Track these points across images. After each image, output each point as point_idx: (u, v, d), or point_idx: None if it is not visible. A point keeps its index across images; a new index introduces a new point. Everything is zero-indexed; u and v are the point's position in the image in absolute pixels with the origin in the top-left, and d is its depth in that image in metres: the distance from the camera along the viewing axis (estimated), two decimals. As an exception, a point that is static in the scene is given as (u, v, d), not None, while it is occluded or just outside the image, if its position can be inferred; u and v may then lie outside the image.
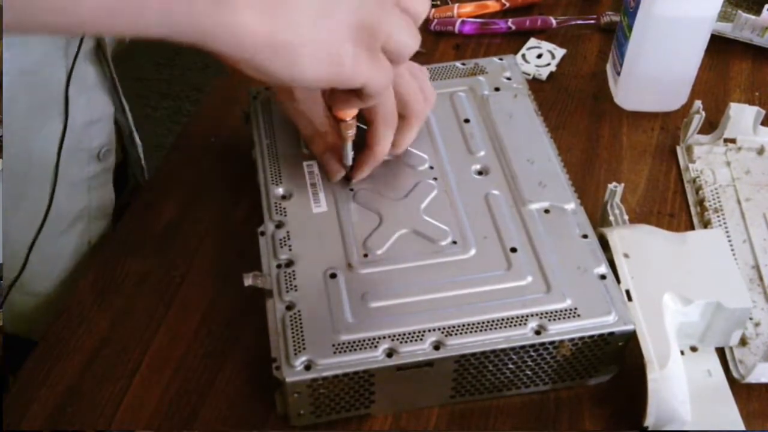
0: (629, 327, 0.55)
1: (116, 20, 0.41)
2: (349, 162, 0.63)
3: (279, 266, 0.59)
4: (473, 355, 0.54)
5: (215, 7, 0.42)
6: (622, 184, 0.64)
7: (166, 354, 0.62)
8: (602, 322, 0.56)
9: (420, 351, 0.54)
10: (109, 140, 0.70)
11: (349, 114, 0.59)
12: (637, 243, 0.61)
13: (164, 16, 0.41)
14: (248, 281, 0.58)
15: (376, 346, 0.54)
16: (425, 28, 0.90)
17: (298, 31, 0.45)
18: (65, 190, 0.69)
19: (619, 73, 0.80)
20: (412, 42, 0.51)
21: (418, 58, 0.86)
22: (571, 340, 0.55)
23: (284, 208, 0.63)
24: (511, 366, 0.56)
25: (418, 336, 0.55)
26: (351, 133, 0.61)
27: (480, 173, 0.66)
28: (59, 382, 0.61)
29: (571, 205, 0.63)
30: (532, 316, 0.56)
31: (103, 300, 0.66)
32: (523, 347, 0.55)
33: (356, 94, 0.52)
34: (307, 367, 0.53)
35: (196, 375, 0.61)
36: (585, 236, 0.61)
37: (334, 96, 0.55)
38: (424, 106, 0.63)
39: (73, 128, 0.68)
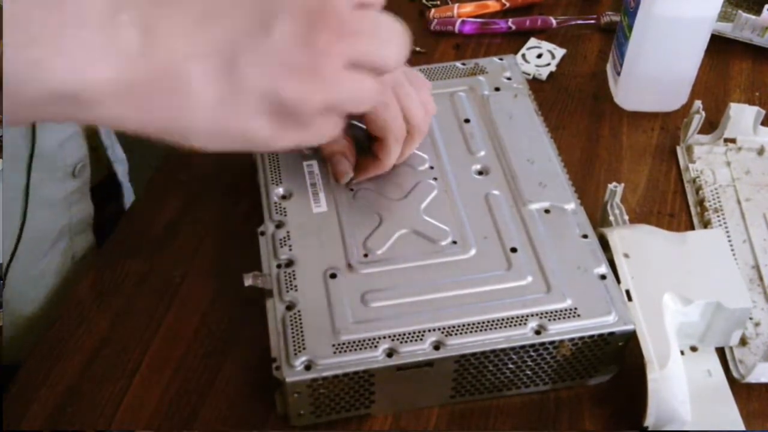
0: (629, 327, 0.55)
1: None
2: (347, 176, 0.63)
3: (279, 266, 0.59)
4: (473, 355, 0.54)
5: (73, 104, 0.38)
6: (622, 184, 0.64)
7: (166, 354, 0.62)
8: (602, 322, 0.56)
9: (420, 351, 0.54)
10: (82, 155, 0.69)
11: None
12: (637, 243, 0.61)
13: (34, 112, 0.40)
14: (248, 281, 0.58)
15: (376, 346, 0.54)
16: (425, 28, 0.90)
17: (184, 118, 0.40)
18: (45, 211, 0.68)
19: (619, 73, 0.80)
20: (371, 102, 0.44)
21: (418, 58, 0.87)
22: (571, 340, 0.55)
23: (284, 208, 0.63)
24: (511, 366, 0.56)
25: (418, 336, 0.55)
26: (338, 147, 0.62)
27: (480, 173, 0.66)
28: (59, 382, 0.61)
29: (571, 205, 0.63)
30: (532, 316, 0.56)
31: (103, 300, 0.66)
32: (523, 347, 0.55)
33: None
34: (307, 367, 0.53)
35: (196, 375, 0.61)
36: (585, 236, 0.61)
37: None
38: (425, 119, 0.62)
39: (45, 150, 0.67)
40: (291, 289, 0.57)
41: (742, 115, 0.75)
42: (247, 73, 0.39)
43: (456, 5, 0.91)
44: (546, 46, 0.87)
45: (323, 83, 0.40)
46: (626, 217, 0.64)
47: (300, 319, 0.56)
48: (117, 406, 0.59)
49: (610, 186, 0.64)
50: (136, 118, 0.40)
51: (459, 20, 0.89)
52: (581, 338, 0.55)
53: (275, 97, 0.40)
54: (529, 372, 0.57)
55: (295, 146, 0.44)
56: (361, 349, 0.54)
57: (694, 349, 0.62)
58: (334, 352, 0.54)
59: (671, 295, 0.58)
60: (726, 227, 0.69)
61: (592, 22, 0.90)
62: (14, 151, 0.62)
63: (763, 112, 0.74)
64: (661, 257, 0.60)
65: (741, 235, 0.69)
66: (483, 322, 0.55)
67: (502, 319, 0.55)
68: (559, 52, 0.86)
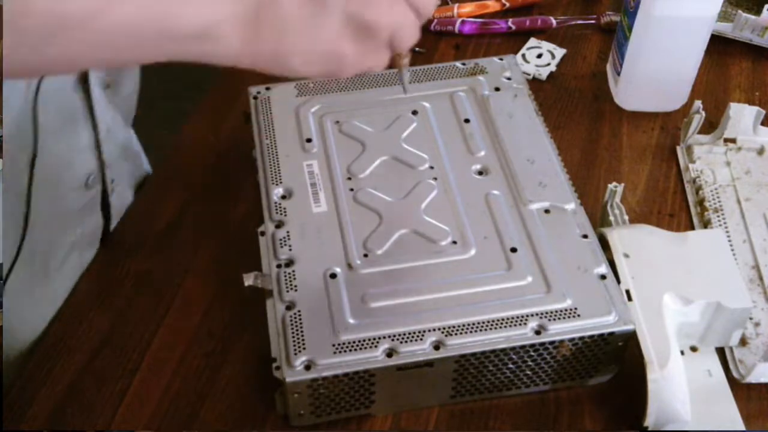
0: (629, 327, 0.55)
1: (118, 58, 0.48)
2: (407, 88, 0.64)
3: (279, 266, 0.59)
4: (473, 355, 0.54)
5: (200, 41, 0.46)
6: (623, 184, 0.64)
7: (166, 354, 0.62)
8: (602, 322, 0.56)
9: (420, 351, 0.54)
10: (94, 167, 0.69)
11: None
12: (638, 243, 0.61)
13: (159, 52, 0.46)
14: (248, 281, 0.58)
15: (376, 346, 0.54)
16: (425, 28, 0.90)
17: (287, 44, 0.48)
18: (57, 224, 0.68)
19: (619, 73, 0.80)
20: (413, 38, 0.53)
21: (419, 58, 0.87)
22: (571, 339, 0.55)
23: (284, 208, 0.63)
24: (511, 366, 0.56)
25: (418, 336, 0.55)
26: (406, 61, 0.63)
27: (480, 173, 0.66)
28: (59, 382, 0.61)
29: (572, 205, 0.63)
30: (532, 316, 0.56)
31: (103, 300, 0.66)
32: (523, 347, 0.55)
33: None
34: (307, 367, 0.53)
35: (196, 375, 0.61)
36: (585, 236, 0.61)
37: None
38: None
39: (61, 158, 0.66)
40: (291, 289, 0.57)
41: (742, 115, 0.75)
42: None
43: (456, 5, 0.91)
44: (546, 46, 0.87)
45: (392, 14, 0.50)
46: (626, 217, 0.64)
47: (300, 319, 0.56)
48: (117, 406, 0.59)
49: (610, 186, 0.64)
50: (249, 51, 0.47)
51: (459, 20, 0.89)
52: (581, 338, 0.55)
53: (359, 18, 0.48)
54: (529, 372, 0.57)
55: (366, 71, 0.52)
56: (361, 349, 0.54)
57: (694, 349, 0.62)
58: (334, 352, 0.54)
59: (671, 295, 0.58)
60: (726, 227, 0.69)
61: (592, 22, 0.90)
62: (14, 156, 0.62)
63: (763, 112, 0.74)
64: (661, 257, 0.60)
65: (741, 235, 0.68)
66: (483, 322, 0.55)
67: (502, 319, 0.55)
68: (559, 52, 0.86)
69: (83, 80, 0.66)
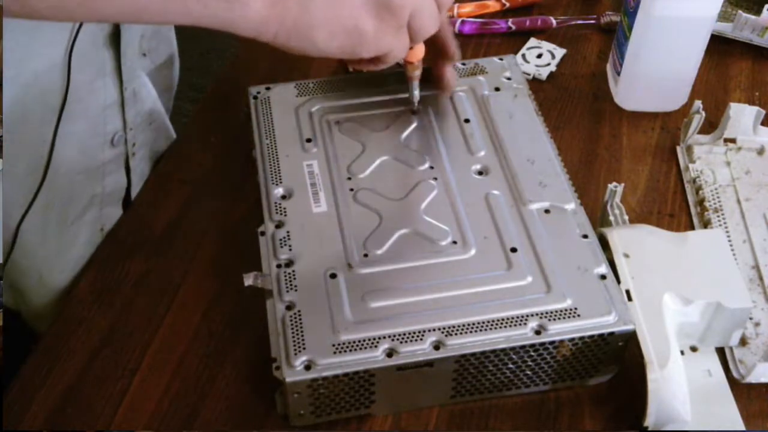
0: (629, 327, 0.55)
1: (143, 15, 0.50)
2: (416, 100, 0.66)
3: (279, 266, 0.59)
4: (473, 355, 0.54)
5: (228, 4, 0.48)
6: (623, 184, 0.64)
7: (166, 354, 0.62)
8: (602, 322, 0.56)
9: (420, 351, 0.54)
10: (120, 125, 0.71)
11: (417, 57, 0.63)
12: (638, 243, 0.61)
13: (185, 13, 0.48)
14: (249, 281, 0.58)
15: (376, 346, 0.54)
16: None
17: (311, 15, 0.50)
18: (79, 176, 0.69)
19: (619, 73, 0.80)
20: (432, 26, 0.55)
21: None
22: (571, 339, 0.55)
23: (284, 208, 0.63)
24: (511, 366, 0.56)
25: (418, 336, 0.55)
26: (417, 73, 0.65)
27: (480, 173, 0.66)
28: (59, 382, 0.61)
29: (572, 205, 0.63)
30: (532, 315, 0.56)
31: (103, 300, 0.66)
32: (523, 347, 0.55)
33: (373, 60, 0.56)
34: (307, 367, 0.53)
35: (196, 375, 0.61)
36: (585, 236, 0.61)
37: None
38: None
39: (88, 113, 0.68)
40: (291, 289, 0.57)
41: (742, 115, 0.75)
42: None
43: (456, 5, 0.91)
44: (546, 46, 0.87)
45: None
46: (626, 217, 0.64)
47: (300, 319, 0.56)
48: (117, 406, 0.59)
49: (611, 186, 0.64)
50: (274, 19, 0.49)
51: (459, 20, 0.89)
52: (581, 338, 0.55)
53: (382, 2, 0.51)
54: (529, 372, 0.57)
55: (385, 52, 0.54)
56: (361, 349, 0.54)
57: (694, 349, 0.62)
58: (334, 352, 0.54)
59: (671, 295, 0.58)
60: (726, 227, 0.69)
61: (592, 22, 0.90)
62: (43, 104, 0.64)
63: (763, 112, 0.74)
64: (662, 257, 0.60)
65: (741, 235, 0.68)
66: (483, 322, 0.55)
67: (502, 319, 0.55)
68: (559, 52, 0.86)
69: (115, 38, 0.66)
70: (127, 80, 0.69)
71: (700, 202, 0.72)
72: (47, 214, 0.68)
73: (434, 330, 0.55)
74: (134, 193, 0.75)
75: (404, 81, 0.68)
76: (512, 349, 0.55)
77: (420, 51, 0.63)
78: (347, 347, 0.54)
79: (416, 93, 0.66)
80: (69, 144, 0.67)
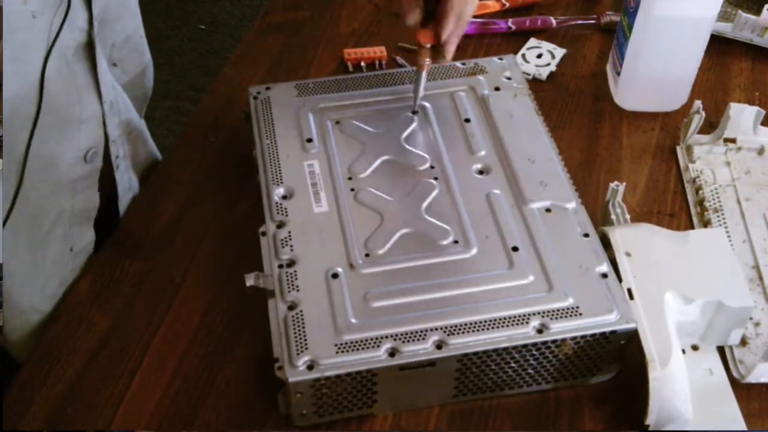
0: (631, 325, 0.55)
1: None
2: (421, 92, 0.67)
3: (281, 266, 0.59)
4: (475, 354, 0.54)
5: None
6: (624, 183, 0.64)
7: (166, 354, 0.62)
8: (604, 321, 0.56)
9: (422, 350, 0.54)
10: (97, 142, 0.69)
11: (429, 38, 0.64)
12: (639, 242, 0.61)
13: None
14: (250, 281, 0.58)
15: (378, 346, 0.54)
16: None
17: None
18: (48, 189, 0.68)
19: (619, 73, 0.80)
20: (470, 11, 0.59)
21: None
22: (573, 338, 0.55)
23: (285, 208, 0.63)
24: (513, 365, 0.56)
25: (420, 335, 0.55)
26: (427, 62, 0.65)
27: (481, 173, 0.66)
28: (59, 382, 0.60)
29: (572, 204, 0.63)
30: (534, 314, 0.56)
31: (103, 300, 0.66)
32: (525, 346, 0.55)
33: None
34: (310, 367, 0.53)
35: (196, 375, 0.61)
36: (586, 235, 0.61)
37: None
38: None
39: (64, 126, 0.67)
40: (293, 289, 0.57)
41: (742, 115, 0.75)
42: None
43: (455, 5, 0.91)
44: (546, 46, 0.87)
45: None
46: (628, 216, 0.64)
47: (302, 319, 0.55)
48: (117, 406, 0.59)
49: (612, 185, 0.64)
50: None
51: (458, 20, 0.89)
52: (583, 337, 0.55)
53: None
54: (531, 371, 0.57)
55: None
56: (363, 348, 0.54)
57: (695, 347, 0.62)
58: (337, 352, 0.54)
59: (673, 294, 0.58)
60: (726, 227, 0.69)
61: (592, 22, 0.90)
62: (18, 116, 0.63)
63: (763, 112, 0.74)
64: (663, 256, 0.60)
65: (741, 235, 0.69)
66: (485, 321, 0.55)
67: (504, 318, 0.55)
68: (559, 52, 0.86)
69: (89, 49, 0.66)
70: (105, 92, 0.68)
71: (700, 202, 0.72)
72: (18, 226, 0.67)
73: (436, 329, 0.55)
74: (122, 207, 0.73)
75: (404, 81, 0.68)
76: (514, 348, 0.55)
77: (432, 35, 0.64)
78: (349, 347, 0.54)
79: (422, 86, 0.66)
80: (40, 155, 0.66)
